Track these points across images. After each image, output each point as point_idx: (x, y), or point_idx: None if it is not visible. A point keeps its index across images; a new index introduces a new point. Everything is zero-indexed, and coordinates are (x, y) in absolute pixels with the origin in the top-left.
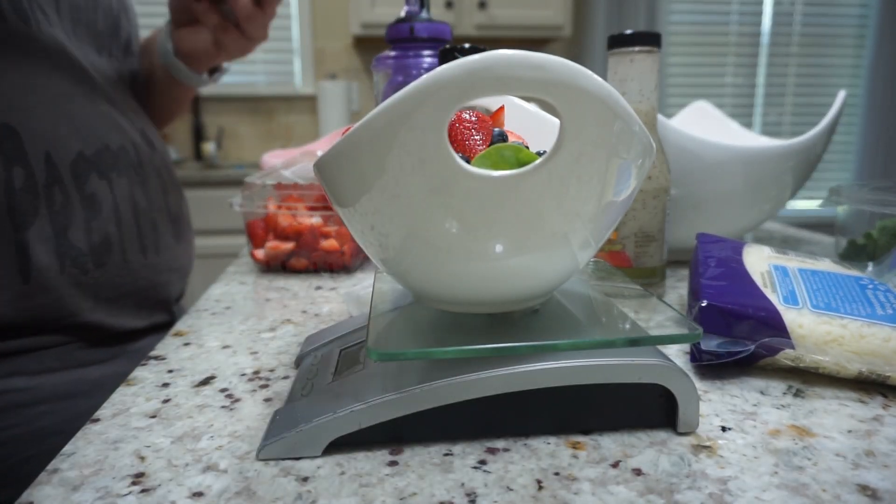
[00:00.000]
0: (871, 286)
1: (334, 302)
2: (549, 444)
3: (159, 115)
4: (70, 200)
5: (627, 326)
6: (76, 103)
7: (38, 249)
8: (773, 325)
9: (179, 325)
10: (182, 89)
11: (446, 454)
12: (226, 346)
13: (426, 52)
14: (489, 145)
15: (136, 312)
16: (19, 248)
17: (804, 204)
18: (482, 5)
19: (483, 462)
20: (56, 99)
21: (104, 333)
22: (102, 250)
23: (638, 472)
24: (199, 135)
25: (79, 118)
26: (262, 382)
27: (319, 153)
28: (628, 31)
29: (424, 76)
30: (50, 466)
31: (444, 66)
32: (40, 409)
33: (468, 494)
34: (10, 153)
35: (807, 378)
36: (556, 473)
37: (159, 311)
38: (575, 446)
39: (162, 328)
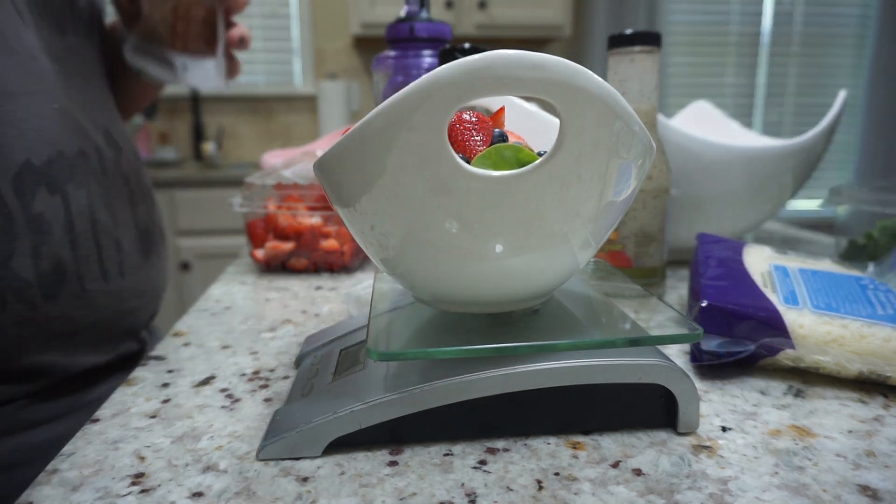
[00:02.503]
0: (871, 286)
1: (334, 302)
2: (549, 444)
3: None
4: (13, 223)
5: (627, 326)
6: (21, 103)
7: None
8: (774, 325)
9: (179, 325)
10: (142, 85)
11: (446, 454)
12: (226, 346)
13: (426, 52)
14: (489, 146)
15: (97, 347)
16: None
17: (804, 204)
18: (482, 5)
19: (483, 462)
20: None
21: (56, 378)
22: (53, 279)
23: (638, 472)
24: (198, 134)
25: (25, 121)
26: (262, 382)
27: (319, 153)
28: (628, 31)
29: (424, 76)
30: (49, 467)
31: (444, 66)
32: None
33: (468, 494)
34: None
35: (807, 378)
36: (557, 473)
37: (126, 340)
38: (575, 446)
39: (129, 360)
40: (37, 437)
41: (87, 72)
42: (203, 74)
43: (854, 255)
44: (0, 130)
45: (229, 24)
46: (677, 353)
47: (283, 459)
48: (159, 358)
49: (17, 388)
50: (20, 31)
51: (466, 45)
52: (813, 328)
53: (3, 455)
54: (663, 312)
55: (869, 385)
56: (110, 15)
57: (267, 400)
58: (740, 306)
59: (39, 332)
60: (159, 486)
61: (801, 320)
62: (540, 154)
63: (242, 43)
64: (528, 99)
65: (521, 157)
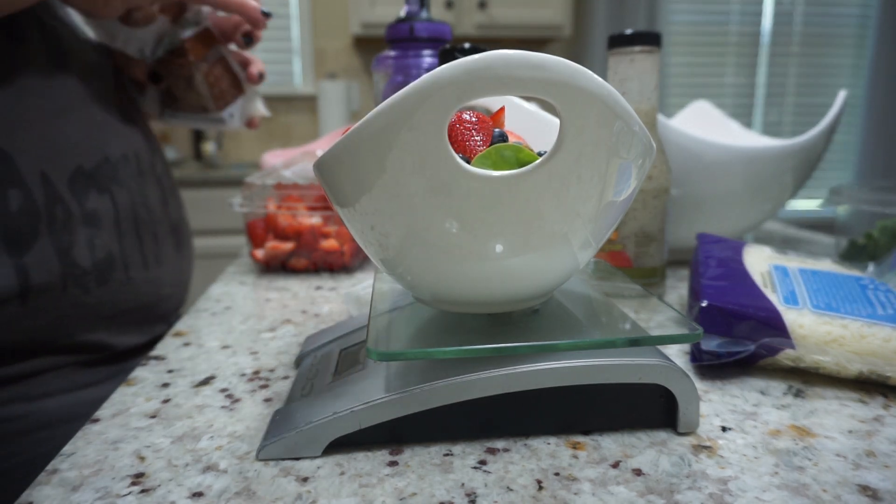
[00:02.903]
0: (871, 286)
1: (334, 302)
2: (549, 444)
3: None
4: (72, 218)
5: (627, 326)
6: (71, 117)
7: (39, 271)
8: (774, 325)
9: (179, 326)
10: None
11: (446, 454)
12: (226, 346)
13: (426, 52)
14: (489, 146)
15: (138, 328)
16: (19, 273)
17: (804, 204)
18: (482, 5)
19: (483, 462)
20: (49, 115)
21: (104, 353)
22: (105, 267)
23: (638, 472)
24: (199, 135)
25: (75, 132)
26: (262, 382)
27: (319, 153)
28: (628, 31)
29: (424, 76)
30: (49, 467)
31: (444, 66)
32: (40, 435)
33: (468, 494)
34: (3, 176)
35: (807, 378)
36: (557, 474)
37: (161, 324)
38: (575, 446)
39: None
40: (90, 395)
41: (118, 84)
42: (240, 114)
43: (854, 255)
44: (57, 141)
45: (244, 61)
46: (677, 353)
47: (283, 459)
48: (159, 358)
49: (72, 360)
50: (74, 48)
51: (466, 45)
52: (813, 328)
53: (65, 408)
54: (663, 312)
55: (869, 385)
56: None
57: (267, 400)
58: (740, 306)
59: (91, 313)
60: (159, 486)
61: (801, 320)
62: (540, 154)
63: (262, 78)
64: (528, 99)
65: (521, 157)
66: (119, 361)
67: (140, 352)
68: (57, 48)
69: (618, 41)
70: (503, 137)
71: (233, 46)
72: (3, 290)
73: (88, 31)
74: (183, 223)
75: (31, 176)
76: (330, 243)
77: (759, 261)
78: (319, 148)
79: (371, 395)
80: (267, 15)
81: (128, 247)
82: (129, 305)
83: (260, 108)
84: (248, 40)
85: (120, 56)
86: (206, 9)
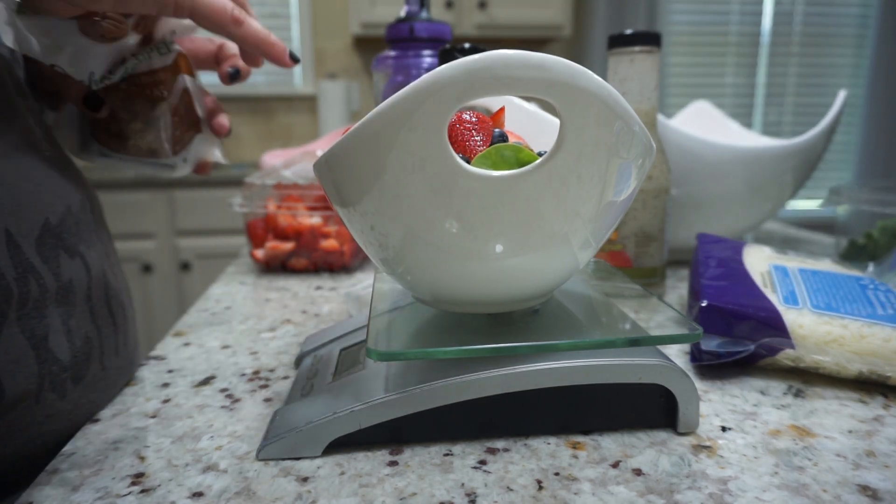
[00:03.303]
0: (871, 286)
1: (334, 302)
2: (549, 444)
3: None
4: (46, 293)
5: (627, 326)
6: (29, 157)
7: (12, 375)
8: (774, 325)
9: (179, 325)
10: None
11: (446, 454)
12: (226, 346)
13: (426, 52)
14: (489, 146)
15: None
16: None
17: (804, 204)
18: (482, 5)
19: (483, 462)
20: (12, 151)
21: None
22: (82, 358)
23: (638, 472)
24: None
25: (37, 176)
26: (262, 382)
27: (319, 153)
28: (628, 31)
29: (424, 76)
30: (50, 467)
31: (444, 66)
32: None
33: (468, 494)
34: None
35: (807, 378)
36: (557, 473)
37: None
38: (575, 446)
39: None
40: None
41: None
42: (193, 157)
43: (854, 255)
44: (19, 185)
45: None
46: (677, 353)
47: (283, 459)
48: (159, 358)
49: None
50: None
51: (466, 45)
52: (813, 328)
53: None
54: (663, 312)
55: (869, 385)
56: None
57: (267, 400)
58: (740, 306)
59: (67, 424)
60: (159, 486)
61: (800, 320)
62: (540, 154)
63: (230, 133)
64: (528, 99)
65: (521, 157)
66: None
67: None
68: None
69: (618, 41)
70: (503, 137)
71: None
72: None
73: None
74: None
75: None
76: (330, 243)
77: (759, 261)
78: (319, 148)
79: (371, 395)
80: (295, 60)
81: (102, 326)
82: (101, 407)
83: (216, 153)
84: (236, 74)
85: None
86: (182, 26)
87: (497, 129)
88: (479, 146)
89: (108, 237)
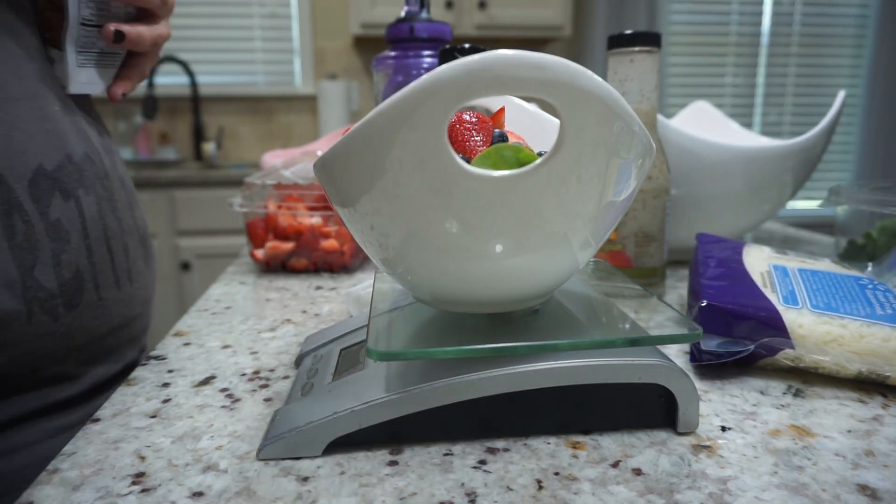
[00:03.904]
0: (870, 286)
1: (334, 302)
2: (549, 444)
3: None
4: (33, 230)
5: (627, 326)
6: (27, 106)
7: (2, 296)
8: (773, 325)
9: (179, 325)
10: None
11: (446, 454)
12: (226, 346)
13: (426, 52)
14: (489, 146)
15: (110, 356)
16: None
17: (804, 204)
18: (482, 5)
19: (483, 462)
20: (5, 103)
21: (74, 389)
22: (74, 288)
23: (638, 472)
24: (199, 135)
25: (34, 125)
26: (262, 382)
27: (319, 153)
28: (628, 31)
29: (424, 76)
30: (50, 466)
31: (444, 66)
32: (8, 500)
33: (468, 494)
34: None
35: (807, 378)
36: (556, 473)
37: (131, 349)
38: (575, 446)
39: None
40: (58, 446)
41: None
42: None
43: (853, 255)
44: (11, 135)
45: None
46: (677, 353)
47: (284, 459)
48: (159, 358)
49: (35, 402)
50: (19, 30)
51: (466, 45)
52: (812, 328)
53: (32, 465)
54: (663, 312)
55: (868, 385)
56: None
57: (267, 400)
58: (740, 306)
59: (60, 343)
60: (160, 485)
61: (800, 320)
62: (540, 154)
63: (120, 38)
64: (528, 99)
65: (521, 157)
66: (90, 399)
67: (110, 386)
68: (7, 18)
69: (618, 41)
70: (503, 137)
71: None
72: None
73: None
74: (148, 233)
75: None
76: (330, 243)
77: (758, 261)
78: (319, 148)
79: (371, 395)
80: (119, 38)
81: (98, 262)
82: (101, 330)
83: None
84: (119, 37)
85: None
86: None
87: (497, 129)
88: (479, 146)
89: (121, 186)
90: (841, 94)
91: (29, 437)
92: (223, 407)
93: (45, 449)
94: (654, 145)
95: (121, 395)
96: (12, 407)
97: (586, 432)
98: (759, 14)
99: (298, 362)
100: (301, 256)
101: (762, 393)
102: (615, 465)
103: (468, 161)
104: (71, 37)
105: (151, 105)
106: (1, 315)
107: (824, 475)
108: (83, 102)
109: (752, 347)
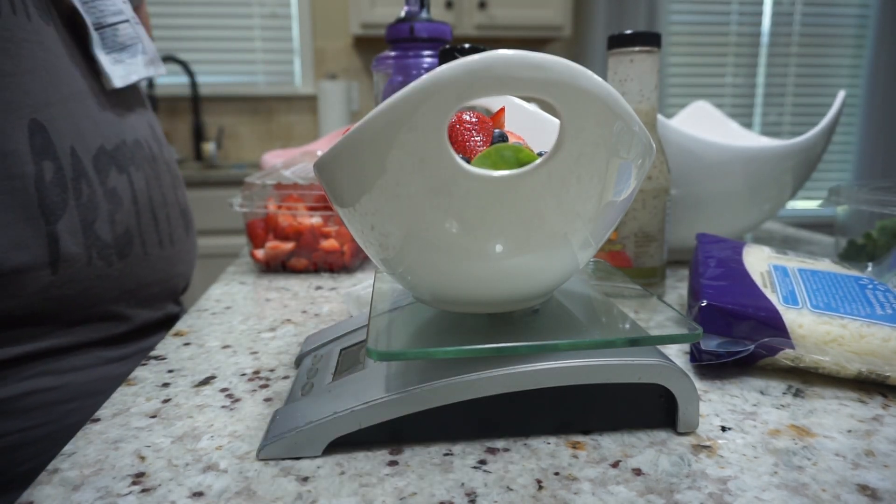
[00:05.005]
0: (870, 286)
1: (334, 302)
2: (549, 444)
3: None
4: (95, 193)
5: (627, 326)
6: (91, 100)
7: (68, 241)
8: (773, 325)
9: (179, 325)
10: None
11: (446, 454)
12: (226, 346)
13: (426, 52)
14: (489, 146)
15: (154, 303)
16: (51, 240)
17: (804, 204)
18: (482, 5)
19: (483, 462)
20: (76, 95)
21: (125, 325)
22: (125, 242)
23: (638, 472)
24: (199, 135)
25: (97, 114)
26: (262, 382)
27: (319, 153)
28: (628, 31)
29: (424, 76)
30: (50, 466)
31: (444, 66)
32: (70, 406)
33: (468, 494)
34: (40, 148)
35: (807, 378)
36: (556, 473)
37: (170, 302)
38: (575, 446)
39: (172, 319)
40: (113, 372)
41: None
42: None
43: (853, 255)
44: (82, 123)
45: None
46: (677, 353)
47: (283, 459)
48: (159, 358)
49: (94, 333)
50: (64, 39)
51: (466, 46)
52: (812, 328)
53: (92, 382)
54: (663, 312)
55: (868, 385)
56: None
57: (267, 400)
58: (740, 306)
59: (114, 285)
60: (160, 485)
61: (800, 320)
62: (540, 154)
63: None
64: (528, 99)
65: (521, 157)
66: (137, 339)
67: (155, 329)
68: (72, 30)
69: (617, 41)
70: (503, 137)
71: None
72: (37, 257)
73: None
74: (189, 209)
75: (62, 149)
76: (330, 243)
77: (758, 261)
78: (319, 148)
79: (371, 395)
80: None
81: (144, 225)
82: (147, 280)
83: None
84: None
85: None
86: None
87: (497, 129)
88: (479, 146)
89: (166, 169)
90: (841, 94)
91: (86, 361)
92: (223, 407)
93: (102, 371)
94: (654, 145)
95: (121, 395)
96: (74, 336)
97: (586, 432)
98: (759, 14)
99: (298, 362)
100: (301, 256)
101: (762, 393)
102: (615, 465)
103: (468, 161)
104: (95, 43)
105: (151, 105)
106: (66, 256)
107: (824, 475)
108: (129, 96)
109: (752, 347)
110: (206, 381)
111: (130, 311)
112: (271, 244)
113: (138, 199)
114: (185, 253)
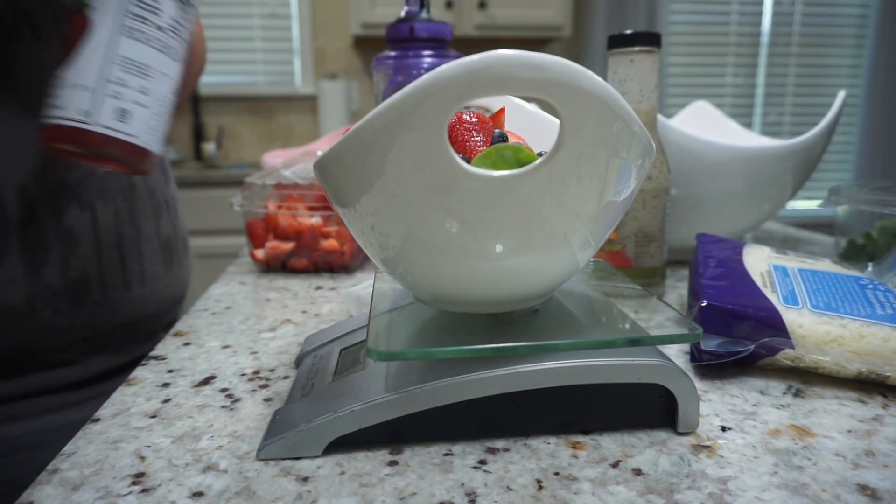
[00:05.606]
0: (870, 286)
1: (334, 302)
2: (549, 444)
3: None
4: (45, 236)
5: (627, 326)
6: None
7: (5, 292)
8: (773, 325)
9: (179, 325)
10: None
11: (446, 454)
12: (226, 346)
13: (426, 52)
14: (489, 146)
15: (116, 349)
16: None
17: (804, 204)
18: (482, 5)
19: (483, 462)
20: (35, 125)
21: (76, 376)
22: (79, 288)
23: (638, 472)
24: (199, 135)
25: None
26: (262, 382)
27: (319, 153)
28: (628, 31)
29: (424, 76)
30: (50, 466)
31: (444, 66)
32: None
33: (468, 494)
34: None
35: (807, 378)
36: (556, 473)
37: (145, 344)
38: (575, 446)
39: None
40: (58, 421)
41: None
42: None
43: (853, 255)
44: (37, 158)
45: None
46: (677, 353)
47: (284, 459)
48: (159, 358)
49: (41, 383)
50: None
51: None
52: (812, 328)
53: (28, 435)
54: (663, 312)
55: (868, 385)
56: None
57: (267, 400)
58: (740, 306)
59: (63, 335)
60: (160, 485)
61: (800, 320)
62: (540, 154)
63: None
64: (528, 99)
65: (521, 157)
66: (93, 384)
67: (116, 375)
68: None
69: (617, 41)
70: (503, 137)
71: None
72: None
73: None
74: (177, 238)
75: (7, 188)
76: (330, 243)
77: (758, 261)
78: (319, 148)
79: (371, 395)
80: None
81: (107, 266)
82: (106, 326)
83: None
84: None
85: None
86: None
87: (497, 129)
88: (479, 146)
89: (147, 197)
90: (841, 94)
91: (30, 410)
92: (223, 407)
93: (44, 421)
94: (654, 145)
95: (121, 395)
96: (17, 385)
97: (586, 432)
98: (759, 14)
99: (298, 362)
100: (301, 256)
101: (762, 393)
102: (615, 465)
103: (468, 161)
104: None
105: None
106: (5, 307)
107: (824, 475)
108: None
109: (752, 347)
110: (206, 381)
111: (84, 360)
112: (271, 244)
113: (101, 236)
114: (164, 290)
